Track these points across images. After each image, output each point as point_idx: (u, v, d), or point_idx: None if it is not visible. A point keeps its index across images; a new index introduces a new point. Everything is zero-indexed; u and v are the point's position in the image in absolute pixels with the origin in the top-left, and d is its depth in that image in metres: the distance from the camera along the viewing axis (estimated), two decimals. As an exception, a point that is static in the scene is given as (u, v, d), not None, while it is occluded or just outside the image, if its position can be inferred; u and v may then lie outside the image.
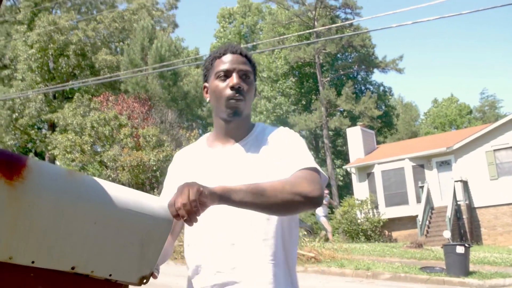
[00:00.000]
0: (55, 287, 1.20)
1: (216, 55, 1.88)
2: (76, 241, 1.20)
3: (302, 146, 1.78)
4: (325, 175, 1.78)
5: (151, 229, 1.32)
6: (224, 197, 1.45)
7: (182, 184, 1.40)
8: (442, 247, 11.36)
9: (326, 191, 14.48)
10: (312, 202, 1.60)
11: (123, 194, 1.29)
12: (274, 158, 1.76)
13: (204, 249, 1.73)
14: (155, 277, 1.50)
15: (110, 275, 1.28)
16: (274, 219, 1.70)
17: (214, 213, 1.60)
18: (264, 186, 1.53)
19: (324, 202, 14.04)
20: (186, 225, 1.64)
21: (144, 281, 1.36)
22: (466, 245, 10.69)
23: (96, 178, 1.28)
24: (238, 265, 1.66)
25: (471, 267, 11.28)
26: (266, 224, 1.69)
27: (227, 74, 1.81)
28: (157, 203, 1.36)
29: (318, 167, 1.72)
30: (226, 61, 1.83)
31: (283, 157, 1.74)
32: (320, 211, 14.15)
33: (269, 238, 1.69)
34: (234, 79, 1.79)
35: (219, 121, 1.87)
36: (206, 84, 1.92)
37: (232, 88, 1.79)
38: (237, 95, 1.79)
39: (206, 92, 1.92)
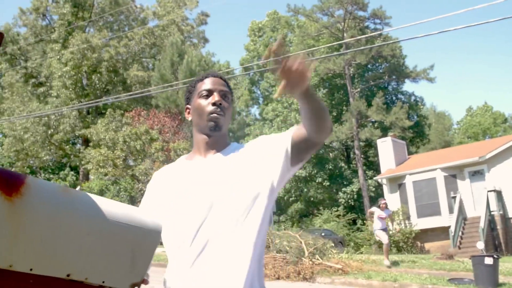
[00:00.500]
0: (52, 292, 1.34)
1: (199, 79, 2.10)
2: (71, 251, 1.33)
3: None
4: None
5: (141, 240, 1.45)
6: (309, 91, 1.74)
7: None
8: (470, 258, 11.20)
9: (384, 201, 14.36)
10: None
11: (115, 208, 1.42)
12: (261, 156, 1.91)
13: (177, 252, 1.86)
14: (146, 283, 1.61)
15: (103, 282, 1.41)
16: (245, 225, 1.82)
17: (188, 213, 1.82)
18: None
19: (384, 215, 13.94)
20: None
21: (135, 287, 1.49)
22: (495, 256, 10.53)
23: (89, 194, 1.41)
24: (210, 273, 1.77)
25: (501, 279, 11.09)
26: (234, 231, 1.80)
27: (208, 94, 2.01)
28: (147, 216, 1.49)
29: None
30: (208, 83, 2.04)
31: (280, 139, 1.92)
32: (377, 225, 13.91)
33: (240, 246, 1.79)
34: (215, 96, 1.99)
35: (200, 136, 2.03)
36: (188, 106, 2.11)
37: (213, 104, 1.98)
38: (218, 110, 1.98)
39: (188, 113, 2.12)
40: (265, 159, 1.89)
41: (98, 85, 36.01)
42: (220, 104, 1.99)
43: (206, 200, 1.85)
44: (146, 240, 1.46)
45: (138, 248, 1.45)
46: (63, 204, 1.32)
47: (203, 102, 2.01)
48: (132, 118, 27.98)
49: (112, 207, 1.42)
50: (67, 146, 35.71)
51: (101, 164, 24.51)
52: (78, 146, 37.04)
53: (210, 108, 1.98)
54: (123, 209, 1.45)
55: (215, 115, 1.97)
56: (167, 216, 1.88)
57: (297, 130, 1.90)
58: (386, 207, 14.21)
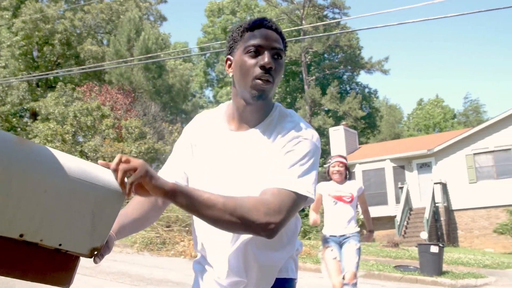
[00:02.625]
0: (2, 254, 1.21)
1: (248, 27, 1.69)
2: (25, 209, 1.20)
3: (301, 160, 1.59)
4: (311, 197, 1.58)
5: (103, 201, 1.32)
6: (169, 195, 1.38)
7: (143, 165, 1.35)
8: (416, 246, 11.47)
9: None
10: (259, 232, 1.46)
11: (75, 164, 1.29)
12: (273, 161, 1.62)
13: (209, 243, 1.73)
14: (96, 262, 1.42)
15: (60, 245, 1.29)
16: None
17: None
18: (217, 201, 1.42)
19: None
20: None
21: (95, 253, 1.37)
22: (440, 245, 10.81)
23: (47, 147, 1.28)
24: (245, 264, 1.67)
25: (445, 267, 11.42)
26: None
27: (258, 51, 1.64)
28: (110, 174, 1.37)
29: (304, 189, 1.55)
30: (259, 36, 1.65)
31: (276, 167, 1.59)
32: None
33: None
34: (266, 57, 1.62)
35: (238, 100, 1.72)
36: (230, 57, 1.75)
37: (262, 67, 1.62)
38: (267, 75, 1.62)
39: (229, 66, 1.75)
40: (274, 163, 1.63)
41: (49, 58, 34.90)
42: (270, 67, 1.62)
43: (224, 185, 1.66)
44: (108, 202, 1.34)
45: (99, 209, 1.32)
46: (18, 156, 1.18)
47: (249, 61, 1.64)
48: (84, 93, 27.32)
49: (73, 163, 1.29)
50: (14, 119, 34.53)
51: (49, 139, 23.81)
52: (26, 119, 35.90)
53: (258, 71, 1.62)
54: (84, 166, 1.32)
55: (262, 82, 1.62)
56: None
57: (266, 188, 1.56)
58: None
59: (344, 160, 5.88)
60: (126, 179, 1.35)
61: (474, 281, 10.57)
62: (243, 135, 1.71)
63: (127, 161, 1.35)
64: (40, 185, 1.21)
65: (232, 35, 1.74)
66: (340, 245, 5.68)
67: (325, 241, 5.77)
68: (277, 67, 1.65)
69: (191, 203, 1.40)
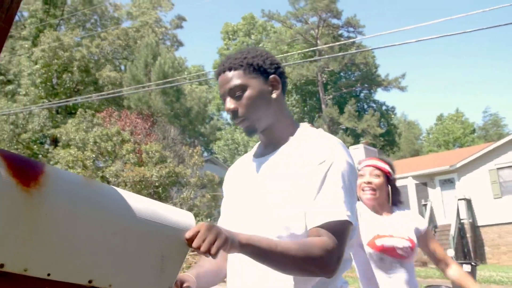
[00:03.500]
0: (71, 301, 1.15)
1: (216, 76, 1.76)
2: (94, 253, 1.14)
3: (334, 187, 1.51)
4: (354, 221, 1.51)
5: (172, 242, 1.26)
6: (241, 251, 1.35)
7: (208, 226, 1.29)
8: None
9: None
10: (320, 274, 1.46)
11: (143, 204, 1.23)
12: (300, 190, 1.55)
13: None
14: None
15: (129, 290, 1.23)
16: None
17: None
18: (289, 248, 1.40)
19: None
20: None
21: (164, 297, 1.30)
22: (473, 263, 10.57)
23: (114, 187, 1.22)
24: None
25: (477, 287, 11.14)
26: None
27: (223, 98, 1.71)
28: (178, 214, 1.30)
29: (343, 213, 1.48)
30: (219, 85, 1.71)
31: (310, 202, 1.52)
32: None
33: None
34: (226, 104, 1.68)
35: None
36: None
37: (227, 112, 1.68)
38: (234, 118, 1.68)
39: None
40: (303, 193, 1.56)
41: (68, 85, 35.33)
42: (232, 111, 1.66)
43: (246, 214, 1.65)
44: (177, 243, 1.27)
45: (168, 250, 1.26)
46: (86, 197, 1.13)
47: (225, 108, 1.72)
48: (103, 118, 27.51)
49: (141, 203, 1.23)
50: (35, 146, 34.89)
51: (70, 165, 23.96)
52: (47, 146, 36.25)
53: (229, 115, 1.70)
54: (153, 206, 1.26)
55: (236, 123, 1.69)
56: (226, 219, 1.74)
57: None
58: None
59: (381, 165, 2.93)
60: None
61: (509, 300, 10.32)
62: (264, 160, 1.70)
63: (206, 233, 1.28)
64: (109, 227, 1.15)
65: None
66: None
67: None
68: (242, 102, 1.63)
69: (261, 254, 1.38)
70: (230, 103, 1.66)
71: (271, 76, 1.68)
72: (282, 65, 1.73)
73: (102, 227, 1.14)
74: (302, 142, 1.65)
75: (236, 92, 1.64)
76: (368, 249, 2.71)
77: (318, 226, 1.47)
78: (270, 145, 1.72)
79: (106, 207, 1.15)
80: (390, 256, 2.67)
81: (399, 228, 2.77)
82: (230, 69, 1.67)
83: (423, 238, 2.86)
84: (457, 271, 2.89)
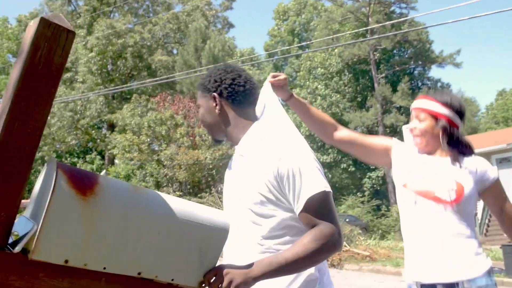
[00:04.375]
0: (124, 289, 1.35)
1: None
2: (141, 250, 1.34)
3: (297, 175, 1.70)
4: (326, 190, 1.71)
5: (209, 238, 1.46)
6: (261, 280, 1.59)
7: (225, 272, 1.53)
8: (501, 247, 11.07)
9: None
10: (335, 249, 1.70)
11: (182, 206, 1.43)
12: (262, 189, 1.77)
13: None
14: None
15: (172, 280, 1.43)
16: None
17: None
18: (297, 255, 1.61)
19: None
20: None
21: (203, 285, 1.49)
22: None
23: (158, 192, 1.42)
24: None
25: (533, 269, 10.95)
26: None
27: None
28: (214, 214, 1.49)
29: (318, 187, 1.69)
30: None
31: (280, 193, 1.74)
32: None
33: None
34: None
35: None
36: None
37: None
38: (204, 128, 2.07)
39: None
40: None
41: (123, 71, 36.25)
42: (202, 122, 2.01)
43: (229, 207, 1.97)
44: (214, 238, 1.47)
45: (206, 246, 1.46)
46: (134, 203, 1.33)
47: None
48: (157, 103, 28.13)
49: (181, 206, 1.42)
50: (93, 131, 36.07)
51: (126, 149, 24.73)
52: (104, 131, 37.38)
53: None
54: (191, 207, 1.45)
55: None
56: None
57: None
58: None
59: (428, 106, 2.53)
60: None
61: None
62: (234, 159, 1.99)
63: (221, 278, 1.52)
64: (154, 227, 1.35)
65: None
66: None
67: None
68: (200, 115, 1.99)
69: (277, 274, 1.62)
70: (199, 114, 2.03)
71: (212, 93, 1.92)
72: (225, 81, 1.91)
73: (147, 227, 1.34)
74: (252, 143, 1.86)
75: (199, 108, 2.00)
76: (402, 191, 2.49)
77: (304, 212, 1.68)
78: (235, 152, 1.99)
79: (151, 211, 1.35)
80: (427, 199, 2.36)
81: (449, 171, 2.41)
82: (199, 87, 2.00)
83: (488, 192, 2.50)
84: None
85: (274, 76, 2.31)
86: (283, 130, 1.94)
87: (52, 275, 1.23)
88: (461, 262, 2.27)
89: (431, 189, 2.36)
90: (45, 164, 1.30)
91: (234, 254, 1.81)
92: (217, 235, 1.48)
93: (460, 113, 2.52)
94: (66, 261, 1.24)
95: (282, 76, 2.31)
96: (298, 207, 1.69)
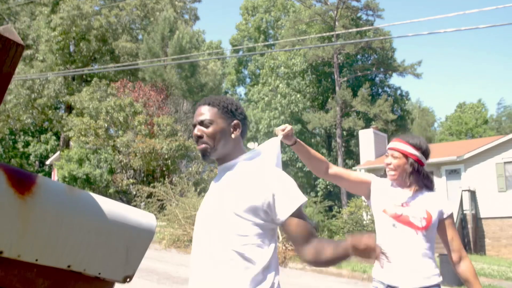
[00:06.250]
0: (53, 281, 1.49)
1: (196, 106, 2.25)
2: (72, 245, 1.48)
3: (281, 189, 2.02)
4: (303, 199, 2.04)
5: (135, 238, 1.61)
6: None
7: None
8: (438, 256, 11.50)
9: None
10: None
11: (113, 208, 1.57)
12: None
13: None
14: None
15: (99, 274, 1.57)
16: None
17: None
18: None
19: None
20: None
21: (128, 280, 1.65)
22: (463, 256, 10.80)
23: (91, 194, 1.56)
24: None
25: (467, 278, 11.38)
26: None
27: (194, 125, 2.20)
28: (142, 216, 1.65)
29: (300, 200, 2.03)
30: (195, 114, 2.21)
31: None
32: None
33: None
34: (195, 130, 2.17)
35: None
36: None
37: (194, 137, 2.18)
38: (198, 143, 2.16)
39: None
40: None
41: (85, 53, 35.72)
42: (200, 136, 2.13)
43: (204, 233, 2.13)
44: (140, 238, 1.63)
45: (132, 245, 1.61)
46: (68, 203, 1.47)
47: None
48: (118, 89, 27.90)
49: (111, 207, 1.57)
50: (50, 111, 35.47)
51: (82, 133, 24.44)
52: (61, 112, 36.80)
53: (195, 139, 2.18)
54: (120, 209, 1.60)
55: (198, 147, 2.17)
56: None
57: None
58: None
59: (401, 147, 3.17)
60: None
61: (495, 293, 10.59)
62: (217, 186, 2.17)
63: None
64: (85, 226, 1.50)
65: None
66: None
67: None
68: (208, 131, 2.11)
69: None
70: (197, 131, 2.15)
71: (235, 121, 2.16)
72: (244, 114, 2.22)
73: (79, 226, 1.48)
74: (244, 169, 2.12)
75: (203, 124, 2.13)
76: (381, 215, 3.10)
77: (292, 217, 1.99)
78: (221, 172, 2.20)
79: (83, 211, 1.49)
80: (403, 224, 2.99)
81: (419, 202, 3.06)
82: (208, 105, 2.16)
83: (443, 223, 3.07)
84: (468, 268, 3.09)
85: (283, 129, 2.89)
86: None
87: (-14, 264, 1.37)
88: (422, 276, 2.97)
89: (406, 215, 3.02)
90: None
91: (205, 254, 2.04)
92: (143, 236, 1.63)
93: (425, 153, 3.21)
94: (1, 252, 1.37)
95: (289, 127, 2.90)
96: (286, 214, 1.98)
